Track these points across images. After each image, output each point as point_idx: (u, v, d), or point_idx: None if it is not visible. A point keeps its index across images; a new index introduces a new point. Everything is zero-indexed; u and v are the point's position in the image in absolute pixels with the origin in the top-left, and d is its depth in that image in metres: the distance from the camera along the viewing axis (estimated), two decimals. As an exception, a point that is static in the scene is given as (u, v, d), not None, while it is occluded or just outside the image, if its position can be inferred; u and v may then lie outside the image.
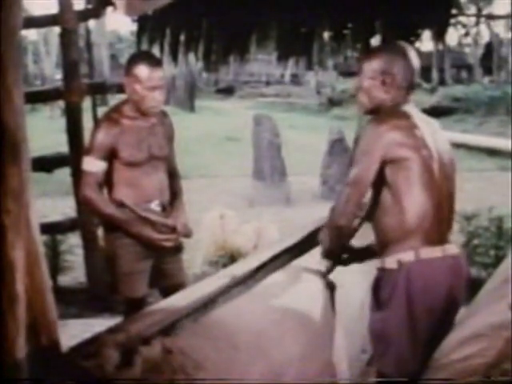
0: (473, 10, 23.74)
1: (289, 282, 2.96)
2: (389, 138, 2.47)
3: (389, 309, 2.55)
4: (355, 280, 3.27)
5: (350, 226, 2.61)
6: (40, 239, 2.10)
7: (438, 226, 2.55)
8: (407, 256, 2.50)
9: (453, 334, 2.46)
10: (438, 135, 2.64)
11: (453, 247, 2.61)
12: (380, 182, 2.52)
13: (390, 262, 2.54)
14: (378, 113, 2.61)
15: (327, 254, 2.80)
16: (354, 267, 2.98)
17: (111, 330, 2.22)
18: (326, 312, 2.89)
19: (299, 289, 2.94)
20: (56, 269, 5.58)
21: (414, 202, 2.49)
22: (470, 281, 2.68)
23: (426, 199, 2.50)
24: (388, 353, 2.58)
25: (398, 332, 2.54)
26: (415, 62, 2.63)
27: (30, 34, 30.50)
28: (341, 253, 2.83)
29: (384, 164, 2.48)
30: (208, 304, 2.43)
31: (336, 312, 2.97)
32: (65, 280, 5.67)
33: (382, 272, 2.59)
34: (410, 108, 2.62)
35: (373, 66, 2.60)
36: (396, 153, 2.47)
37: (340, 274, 3.03)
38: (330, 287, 2.96)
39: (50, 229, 5.33)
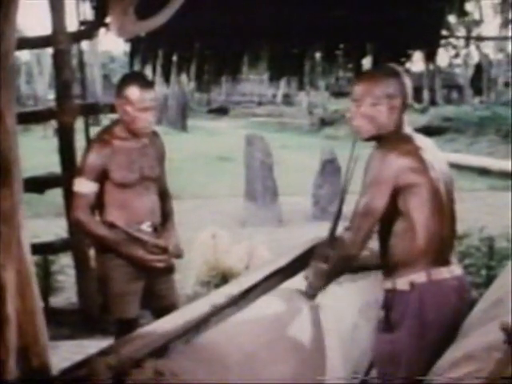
0: (463, 31, 23.94)
1: (279, 303, 2.95)
2: (399, 164, 2.43)
3: (400, 330, 2.52)
4: (347, 302, 3.26)
5: (359, 255, 2.57)
6: (31, 260, 2.09)
7: (444, 247, 2.56)
8: (419, 277, 2.49)
9: (444, 354, 2.45)
10: (436, 154, 2.62)
11: (457, 268, 2.62)
12: (391, 208, 2.47)
13: (402, 283, 2.52)
14: (380, 138, 2.55)
15: (319, 288, 2.73)
16: (346, 290, 2.97)
17: (102, 353, 2.20)
18: (317, 334, 2.89)
19: (290, 310, 2.93)
20: (48, 289, 5.53)
21: (425, 225, 2.47)
22: (471, 301, 2.69)
23: (435, 221, 2.49)
24: (398, 373, 2.53)
25: (409, 352, 2.51)
26: (409, 82, 2.58)
27: (23, 55, 30.54)
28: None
29: (396, 191, 2.44)
30: (200, 326, 2.42)
31: (324, 333, 2.94)
32: (56, 301, 5.63)
33: (393, 293, 2.57)
34: (409, 130, 2.58)
35: (375, 91, 2.51)
36: (407, 179, 2.44)
37: (331, 296, 3.02)
38: (314, 308, 2.93)
39: (41, 249, 5.30)
